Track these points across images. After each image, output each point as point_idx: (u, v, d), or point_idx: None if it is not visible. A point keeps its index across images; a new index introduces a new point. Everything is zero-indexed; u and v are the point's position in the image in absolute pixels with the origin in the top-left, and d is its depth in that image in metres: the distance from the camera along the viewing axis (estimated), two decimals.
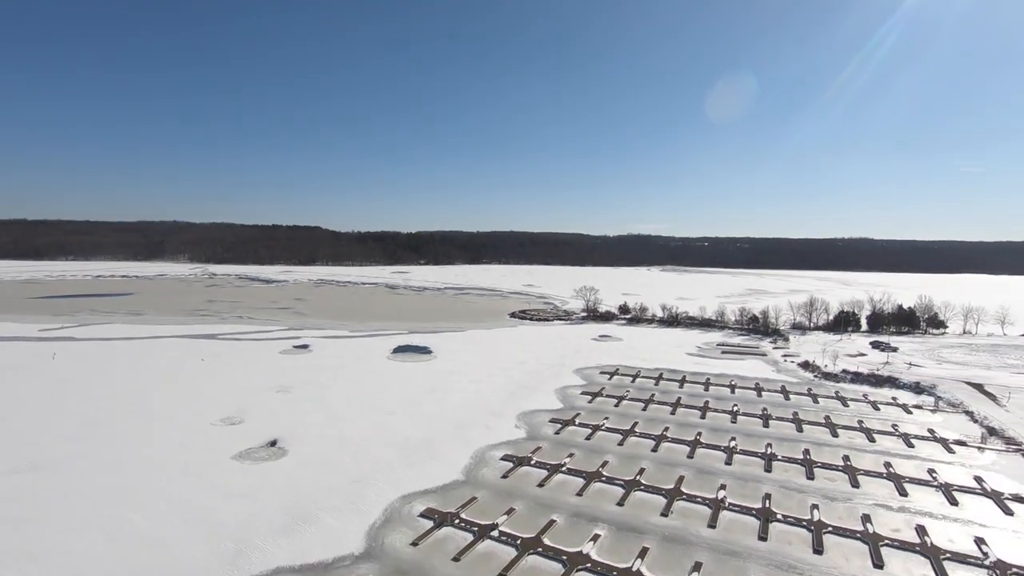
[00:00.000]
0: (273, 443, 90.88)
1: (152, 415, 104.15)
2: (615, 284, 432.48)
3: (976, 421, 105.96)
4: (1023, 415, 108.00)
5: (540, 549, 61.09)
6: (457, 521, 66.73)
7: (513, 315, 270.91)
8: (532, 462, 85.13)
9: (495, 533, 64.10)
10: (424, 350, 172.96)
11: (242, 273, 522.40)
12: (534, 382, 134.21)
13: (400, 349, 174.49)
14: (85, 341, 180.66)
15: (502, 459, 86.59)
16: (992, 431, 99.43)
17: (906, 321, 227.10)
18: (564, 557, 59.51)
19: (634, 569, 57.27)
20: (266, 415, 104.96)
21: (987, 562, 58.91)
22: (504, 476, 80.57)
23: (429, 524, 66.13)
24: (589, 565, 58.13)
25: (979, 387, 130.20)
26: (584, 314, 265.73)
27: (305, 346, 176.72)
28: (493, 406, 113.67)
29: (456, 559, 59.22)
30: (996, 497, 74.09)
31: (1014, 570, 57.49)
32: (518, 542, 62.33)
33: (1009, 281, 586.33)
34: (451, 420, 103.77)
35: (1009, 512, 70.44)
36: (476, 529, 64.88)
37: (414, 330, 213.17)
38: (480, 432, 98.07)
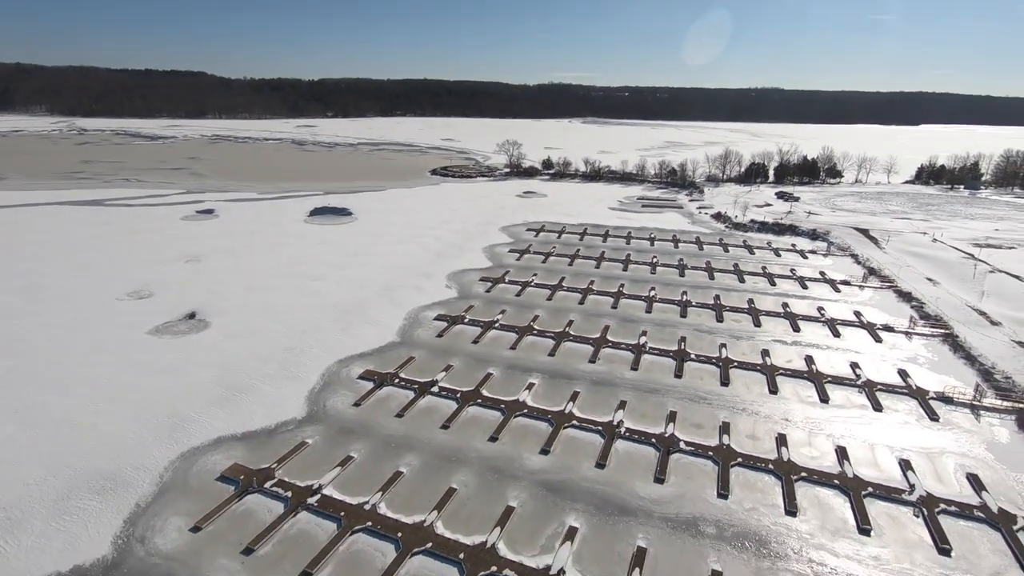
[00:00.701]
0: (192, 316, 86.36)
1: (45, 293, 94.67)
2: (537, 137, 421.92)
3: (860, 263, 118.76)
4: (898, 256, 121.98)
5: (479, 400, 64.67)
6: (397, 381, 68.50)
7: (434, 172, 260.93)
8: (466, 320, 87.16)
9: (435, 389, 66.71)
10: (344, 212, 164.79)
11: (119, 128, 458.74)
12: (461, 241, 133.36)
13: (317, 211, 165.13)
14: None
15: (436, 319, 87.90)
16: (872, 271, 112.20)
17: (808, 172, 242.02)
18: (502, 406, 63.51)
19: (567, 411, 62.42)
20: (178, 287, 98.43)
21: (859, 383, 69.31)
22: (439, 335, 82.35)
23: (369, 385, 67.50)
24: (526, 411, 62.58)
25: (865, 232, 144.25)
26: (507, 170, 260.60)
27: (210, 211, 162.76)
28: (422, 267, 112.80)
29: (400, 415, 61.63)
30: (870, 328, 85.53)
31: (879, 387, 68.23)
32: (458, 396, 65.46)
33: (898, 131, 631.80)
34: (380, 283, 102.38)
35: (879, 340, 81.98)
36: (416, 387, 67.12)
37: (330, 191, 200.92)
38: (411, 294, 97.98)
